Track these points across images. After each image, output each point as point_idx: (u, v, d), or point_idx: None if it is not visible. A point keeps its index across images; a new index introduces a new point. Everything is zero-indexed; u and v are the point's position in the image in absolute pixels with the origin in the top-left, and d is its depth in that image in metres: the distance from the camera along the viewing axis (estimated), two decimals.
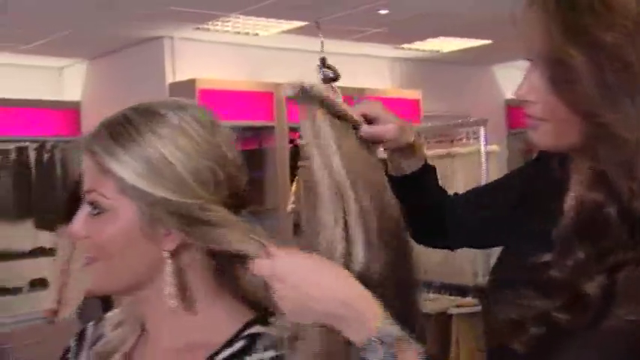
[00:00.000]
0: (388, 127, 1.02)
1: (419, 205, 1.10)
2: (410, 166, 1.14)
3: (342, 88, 4.62)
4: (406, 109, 6.29)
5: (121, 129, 0.83)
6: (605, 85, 0.80)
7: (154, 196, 0.80)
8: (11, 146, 5.67)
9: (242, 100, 5.15)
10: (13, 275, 5.79)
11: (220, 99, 4.95)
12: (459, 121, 4.38)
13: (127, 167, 0.81)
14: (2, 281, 5.67)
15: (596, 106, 0.81)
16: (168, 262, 0.82)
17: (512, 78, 6.74)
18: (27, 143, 5.72)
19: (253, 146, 5.34)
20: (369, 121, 1.00)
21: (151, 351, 0.88)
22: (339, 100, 0.90)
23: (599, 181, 0.84)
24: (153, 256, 0.83)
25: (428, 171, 1.18)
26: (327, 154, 0.84)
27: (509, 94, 7.66)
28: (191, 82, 5.05)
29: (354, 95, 5.86)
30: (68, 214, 0.95)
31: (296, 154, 4.74)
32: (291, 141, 5.26)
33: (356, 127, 0.94)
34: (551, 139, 0.90)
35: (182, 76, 5.29)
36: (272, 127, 5.33)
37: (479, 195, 1.27)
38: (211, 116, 0.87)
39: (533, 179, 1.06)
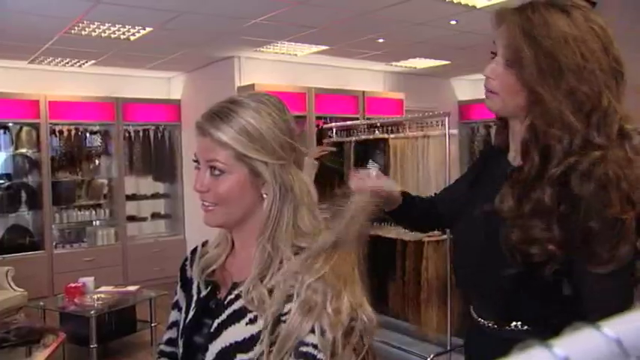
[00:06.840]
0: (391, 194, 1.30)
1: (411, 217, 1.43)
2: (390, 206, 1.37)
3: (350, 91, 6.63)
4: (393, 106, 7.04)
5: (230, 116, 0.97)
6: (540, 70, 1.02)
7: (258, 160, 0.97)
8: (140, 128, 7.08)
9: (285, 98, 5.50)
10: (140, 209, 7.20)
11: None
12: (431, 113, 4.56)
13: (239, 142, 0.97)
14: (134, 212, 7.08)
15: (533, 82, 1.02)
16: (266, 200, 0.99)
17: (462, 87, 8.44)
18: (149, 126, 7.08)
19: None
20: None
21: (238, 261, 1.07)
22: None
23: (531, 138, 1.04)
24: (255, 198, 1.01)
25: (407, 202, 1.39)
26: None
27: (460, 97, 8.60)
28: (251, 86, 5.92)
29: (358, 95, 6.83)
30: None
31: (320, 134, 5.38)
32: (317, 126, 5.96)
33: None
34: (499, 106, 1.10)
35: (246, 82, 6.19)
36: (304, 117, 6.29)
37: (447, 190, 1.46)
38: (282, 102, 1.04)
39: (479, 170, 1.28)
